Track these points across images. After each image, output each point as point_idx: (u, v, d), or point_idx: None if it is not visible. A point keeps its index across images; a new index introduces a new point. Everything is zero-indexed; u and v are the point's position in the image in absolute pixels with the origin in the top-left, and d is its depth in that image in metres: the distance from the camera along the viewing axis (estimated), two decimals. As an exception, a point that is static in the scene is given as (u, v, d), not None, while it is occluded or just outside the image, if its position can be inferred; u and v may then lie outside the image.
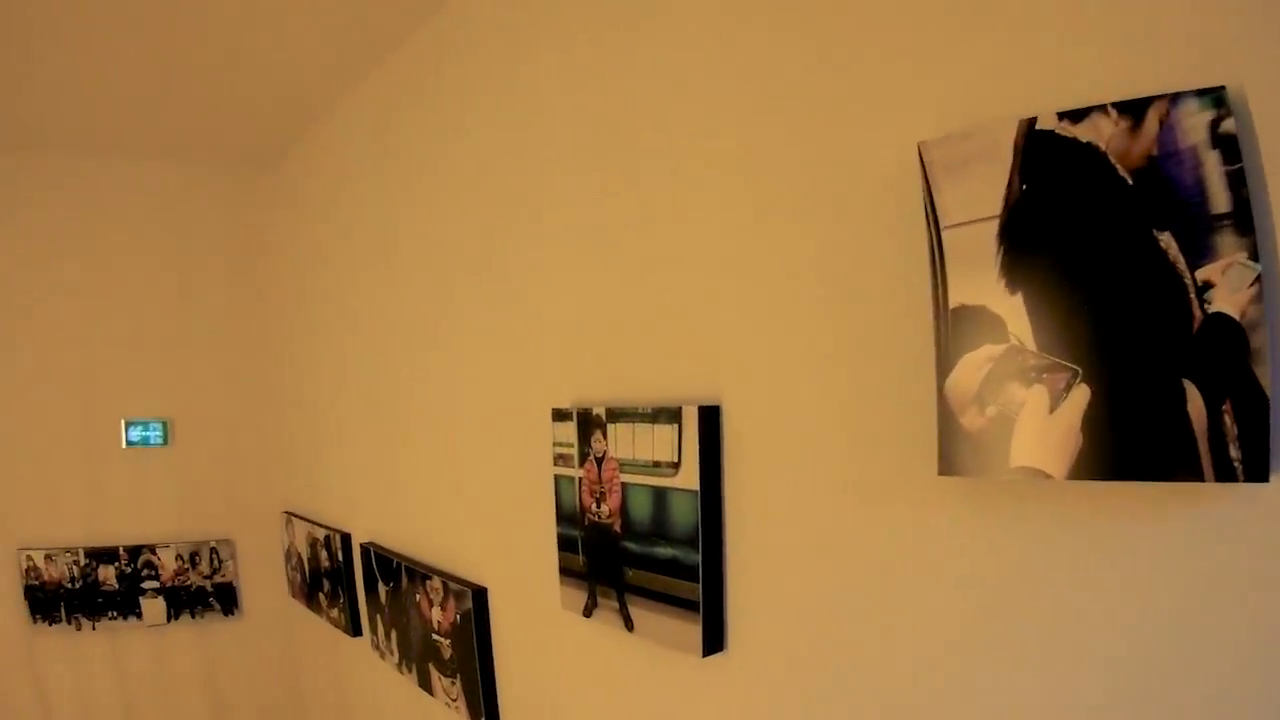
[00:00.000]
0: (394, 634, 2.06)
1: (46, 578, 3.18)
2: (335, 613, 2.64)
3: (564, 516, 1.40)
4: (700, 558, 1.09)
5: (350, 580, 2.38)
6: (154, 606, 3.14)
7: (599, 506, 1.37)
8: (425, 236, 1.96)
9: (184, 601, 3.16)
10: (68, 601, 3.18)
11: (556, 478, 1.38)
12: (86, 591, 3.16)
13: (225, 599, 3.19)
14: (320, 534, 2.57)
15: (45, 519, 3.15)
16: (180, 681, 3.25)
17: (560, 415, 1.38)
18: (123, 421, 3.12)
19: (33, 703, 3.25)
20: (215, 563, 3.16)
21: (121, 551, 3.13)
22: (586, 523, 1.32)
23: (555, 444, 1.38)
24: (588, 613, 1.35)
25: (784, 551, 1.01)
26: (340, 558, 2.43)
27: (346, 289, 2.50)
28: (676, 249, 1.17)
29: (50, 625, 3.19)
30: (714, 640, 1.11)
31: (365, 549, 2.20)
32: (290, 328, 3.08)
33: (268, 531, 3.21)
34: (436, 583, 1.79)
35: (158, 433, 3.12)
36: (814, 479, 0.96)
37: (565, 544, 1.40)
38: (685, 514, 1.12)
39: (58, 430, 3.10)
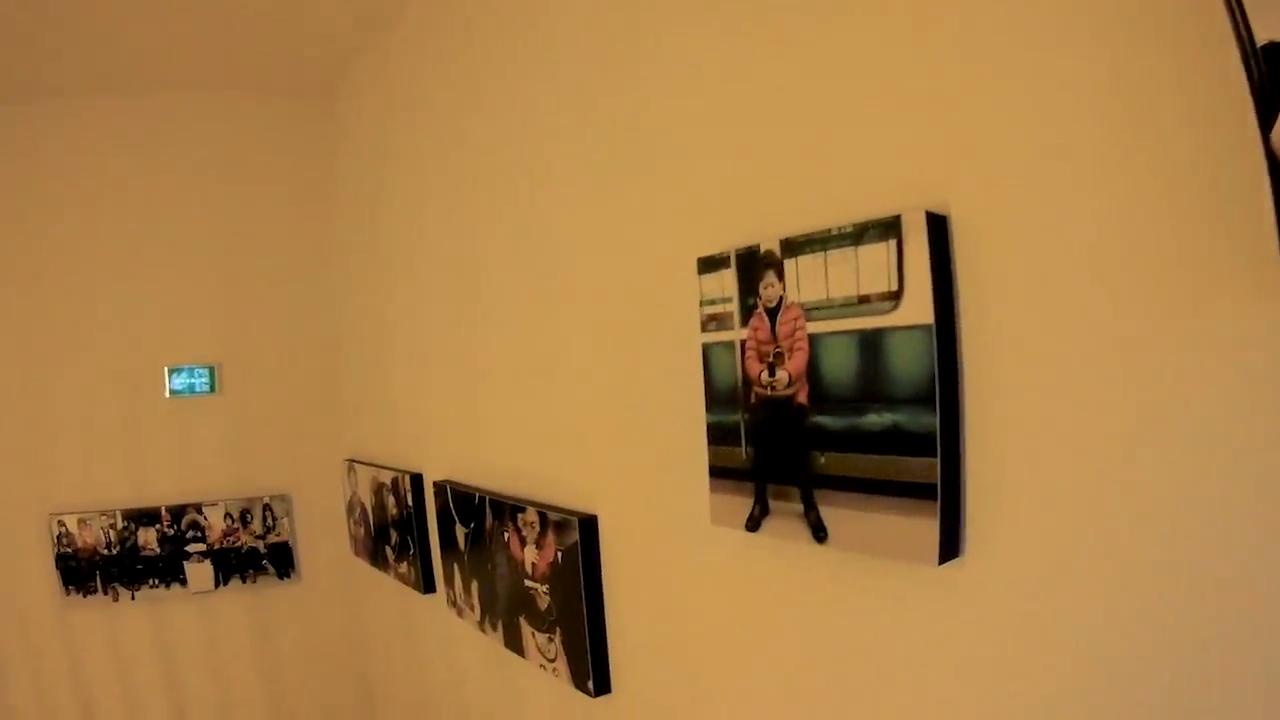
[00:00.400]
0: (475, 586, 1.75)
1: (80, 544, 2.85)
2: (404, 568, 2.31)
3: (718, 398, 1.05)
4: (937, 419, 0.75)
5: (422, 527, 2.06)
6: (200, 571, 2.80)
7: (772, 374, 1.03)
8: (517, 94, 1.64)
9: (234, 565, 2.83)
10: (104, 570, 2.85)
11: (707, 348, 1.04)
12: (125, 558, 2.82)
13: (280, 560, 2.86)
14: (387, 477, 2.25)
15: (79, 480, 2.82)
16: (230, 653, 2.90)
17: (710, 264, 1.04)
18: (165, 369, 2.80)
19: (67, 682, 2.90)
20: (269, 521, 2.83)
21: (164, 512, 2.81)
22: (753, 400, 0.99)
23: (704, 303, 1.04)
24: (753, 525, 0.99)
25: (1054, 398, 0.68)
26: (410, 502, 2.11)
27: (418, 211, 2.19)
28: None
29: (85, 597, 2.85)
30: (950, 541, 0.77)
31: (440, 487, 1.90)
32: (351, 261, 2.77)
33: (327, 484, 2.87)
34: (531, 515, 1.47)
35: (204, 379, 2.81)
36: (1094, 294, 0.65)
37: (719, 435, 1.04)
38: (912, 361, 0.78)
39: (93, 382, 2.79)
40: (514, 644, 1.58)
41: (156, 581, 2.81)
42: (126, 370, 2.78)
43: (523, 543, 1.55)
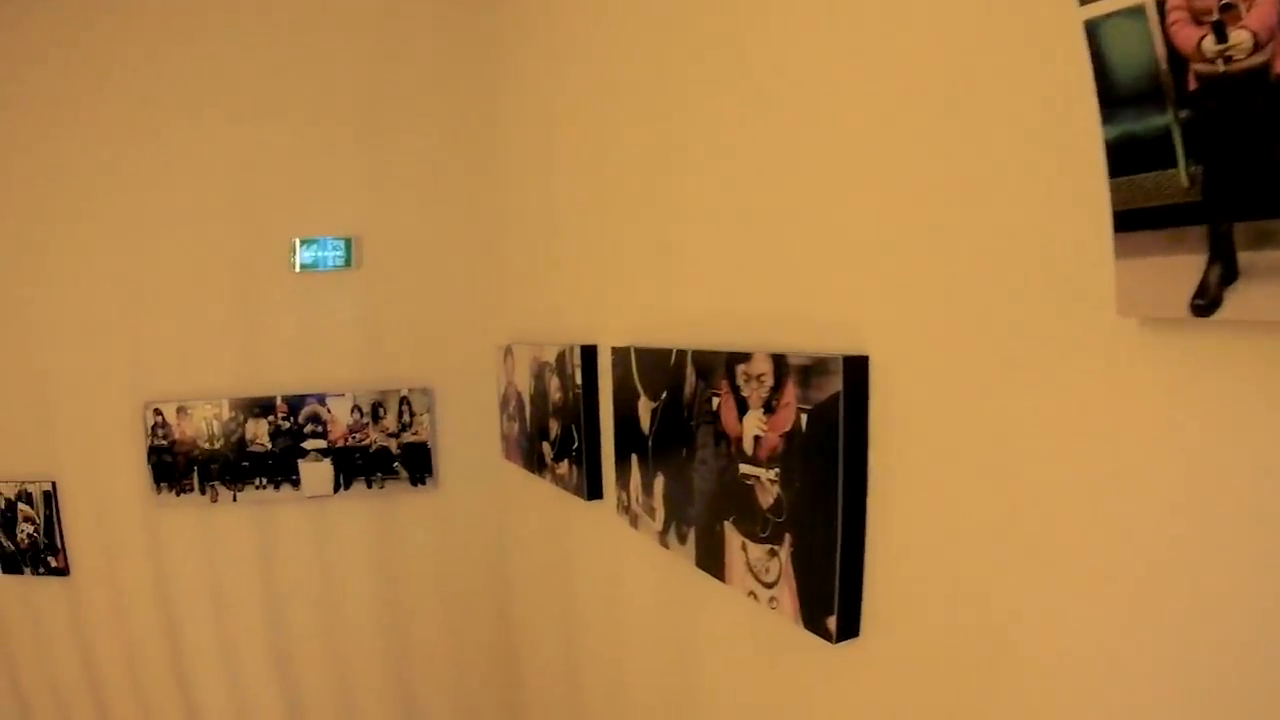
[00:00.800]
0: (659, 483, 1.29)
1: (178, 435, 2.43)
2: (564, 468, 1.83)
3: (1122, 96, 0.61)
4: None
5: (591, 413, 1.61)
6: (317, 472, 2.38)
7: (1222, 38, 0.59)
8: None
9: (358, 466, 2.40)
10: (203, 466, 2.43)
11: (1096, 24, 0.61)
12: (229, 453, 2.40)
13: (415, 463, 2.43)
14: (550, 354, 1.81)
15: (182, 364, 2.42)
16: (346, 570, 2.46)
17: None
18: (294, 241, 2.41)
19: (153, 595, 2.47)
20: (405, 417, 2.41)
21: (279, 403, 2.39)
22: (1193, 86, 0.56)
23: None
24: (1206, 300, 0.52)
25: None
26: (579, 380, 1.65)
27: (603, 55, 1.73)
28: None
29: (178, 495, 2.43)
30: None
31: (620, 355, 1.43)
32: (516, 123, 2.38)
33: (477, 375, 2.37)
34: (759, 364, 0.97)
35: (338, 252, 2.41)
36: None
37: (1130, 154, 0.60)
38: None
39: (207, 253, 2.39)
40: (711, 562, 1.13)
41: (264, 482, 2.38)
42: (247, 242, 2.39)
43: (742, 408, 1.03)
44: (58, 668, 2.55)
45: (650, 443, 1.35)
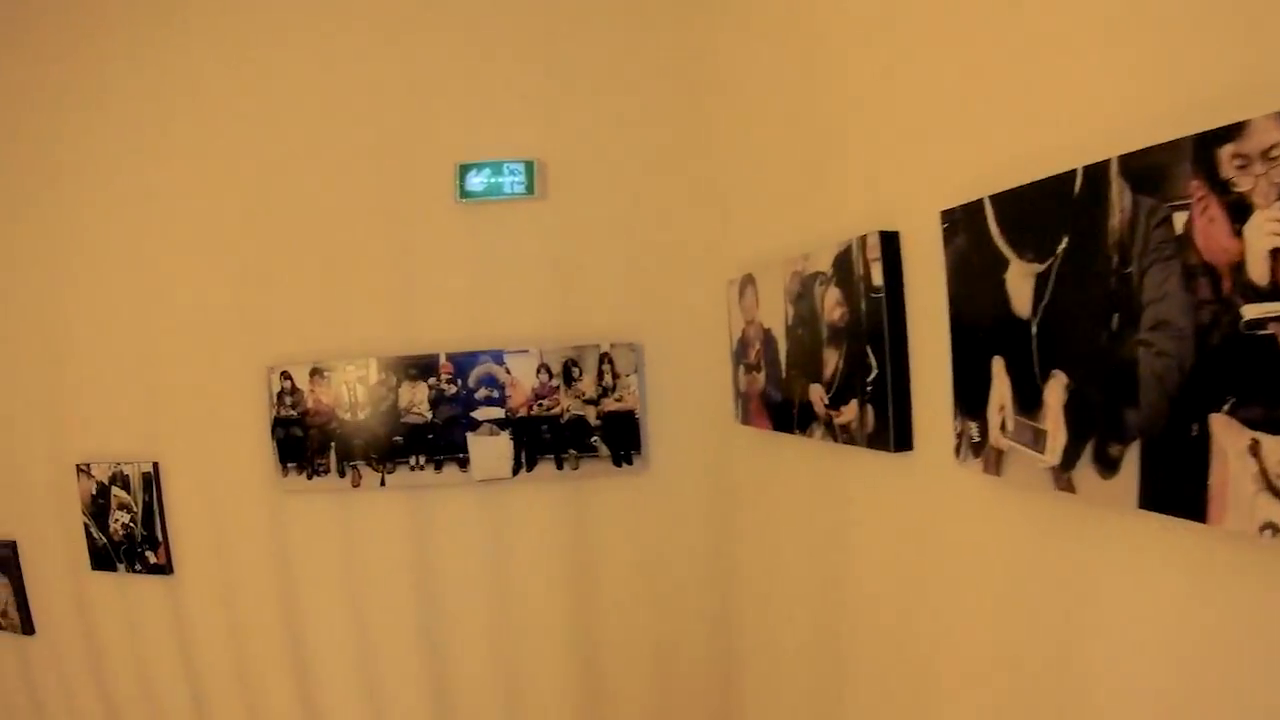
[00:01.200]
0: (1056, 389, 0.81)
1: (311, 404, 1.93)
2: (849, 413, 1.21)
3: None
4: None
5: (897, 324, 1.11)
6: (491, 449, 1.85)
7: None
8: None
9: (546, 442, 1.87)
10: (342, 442, 1.92)
11: None
12: (377, 425, 1.89)
13: (619, 437, 1.90)
14: (823, 259, 1.27)
15: (320, 317, 1.92)
16: (528, 574, 1.93)
17: None
18: (455, 165, 1.90)
19: (276, 603, 1.96)
20: (607, 380, 1.88)
21: (443, 362, 1.88)
22: None
23: None
24: None
25: None
26: (877, 280, 1.12)
27: None
28: None
29: (310, 478, 1.92)
30: None
31: (960, 218, 0.96)
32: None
33: (697, 323, 1.82)
34: (1270, 130, 0.55)
35: (517, 178, 1.90)
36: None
37: None
38: None
39: (350, 182, 1.90)
40: (1175, 493, 0.67)
41: (421, 461, 1.87)
42: (400, 167, 1.90)
43: (1238, 213, 0.55)
44: (157, 685, 2.05)
45: (1034, 329, 0.84)
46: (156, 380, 2.01)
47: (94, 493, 2.18)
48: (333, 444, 1.88)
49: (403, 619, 1.88)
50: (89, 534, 2.17)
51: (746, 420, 1.67)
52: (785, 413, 1.48)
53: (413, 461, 1.84)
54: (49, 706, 2.14)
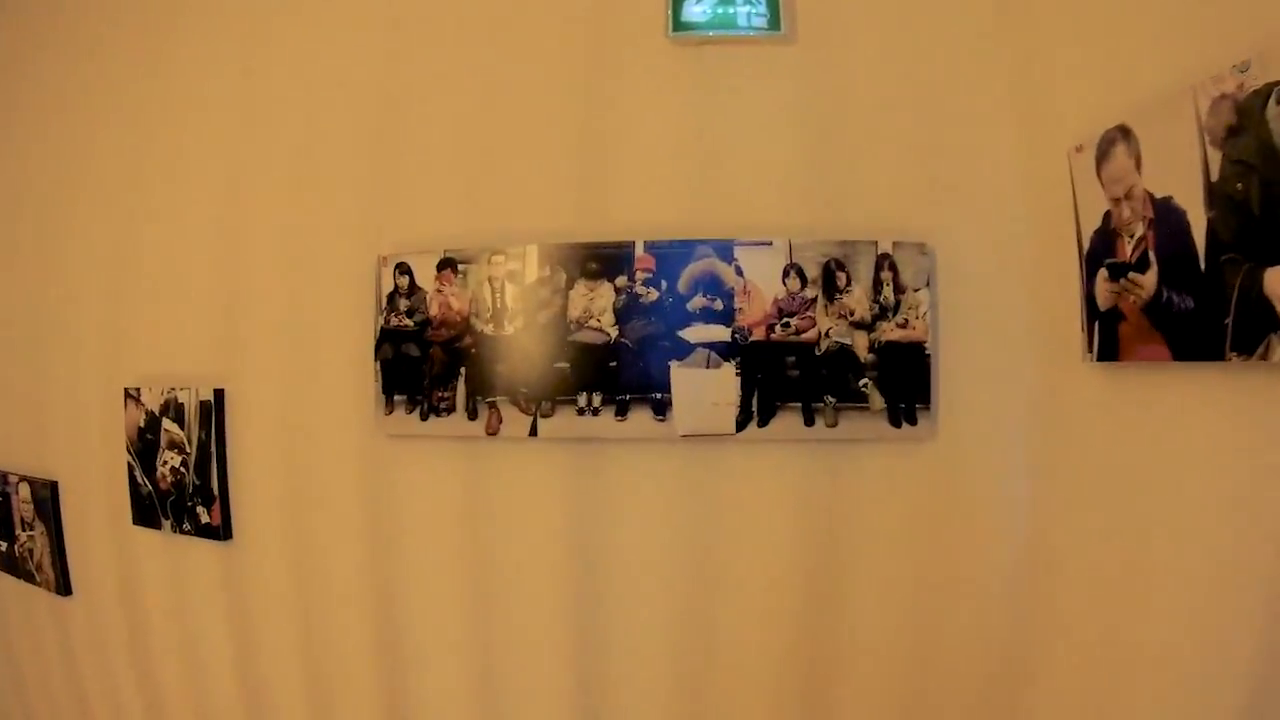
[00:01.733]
0: None
1: (436, 311, 1.28)
2: None
3: None
4: None
5: None
6: (706, 388, 1.16)
7: None
8: None
9: (791, 383, 1.16)
10: (475, 369, 1.25)
11: None
12: (532, 345, 1.22)
13: (901, 380, 1.15)
14: None
15: (452, 187, 1.27)
16: (743, 590, 1.22)
17: None
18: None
19: (368, 588, 1.33)
20: (886, 294, 1.16)
21: (639, 253, 1.19)
22: None
23: None
24: None
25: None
26: None
27: None
28: None
29: (425, 419, 1.27)
30: None
31: None
32: None
33: (1019, 214, 1.13)
34: None
35: (757, 7, 1.21)
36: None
37: None
38: None
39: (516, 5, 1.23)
40: None
41: (598, 402, 1.19)
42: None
43: None
44: (209, 678, 1.46)
45: None
46: (231, 276, 1.42)
47: (141, 425, 1.60)
48: (462, 370, 1.23)
49: (549, 633, 1.20)
50: (132, 479, 1.59)
51: (1111, 353, 0.94)
52: (1203, 328, 0.76)
53: (582, 401, 1.16)
54: (87, 682, 1.61)
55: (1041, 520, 1.09)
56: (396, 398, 1.29)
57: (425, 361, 1.28)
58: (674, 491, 1.18)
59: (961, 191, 1.14)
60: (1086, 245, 1.04)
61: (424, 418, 1.27)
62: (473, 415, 1.25)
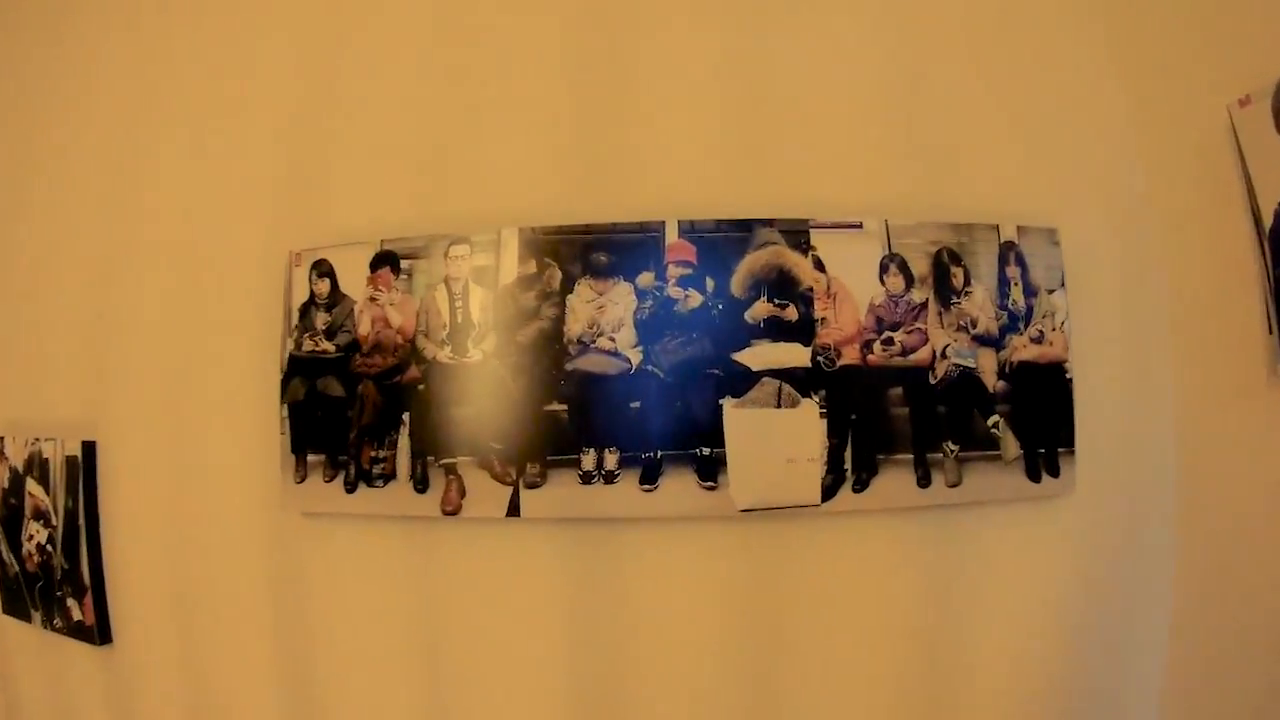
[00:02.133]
0: None
1: (367, 329, 0.86)
2: None
3: None
4: None
5: None
6: (777, 436, 0.72)
7: None
8: None
9: (897, 426, 0.73)
10: (424, 414, 0.82)
11: None
12: (510, 377, 0.78)
13: (1038, 416, 0.74)
14: None
15: (410, 156, 0.83)
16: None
17: None
18: None
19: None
20: (1015, 297, 0.74)
21: (672, 239, 0.76)
22: None
23: None
24: None
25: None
26: None
27: None
28: None
29: (352, 488, 0.84)
30: None
31: None
32: None
33: (1160, 198, 0.75)
34: None
35: None
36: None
37: None
38: None
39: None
40: None
41: (610, 463, 0.75)
42: None
43: None
44: None
45: None
46: (104, 284, 1.00)
47: (5, 486, 1.18)
48: (406, 416, 0.80)
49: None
50: (-1, 555, 1.17)
51: None
52: None
53: (588, 463, 0.74)
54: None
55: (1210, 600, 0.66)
56: (311, 458, 0.86)
57: (352, 404, 0.84)
58: (730, 598, 0.74)
59: (1090, 164, 0.73)
60: (1270, 222, 0.65)
61: (350, 487, 0.84)
62: (422, 485, 0.81)
